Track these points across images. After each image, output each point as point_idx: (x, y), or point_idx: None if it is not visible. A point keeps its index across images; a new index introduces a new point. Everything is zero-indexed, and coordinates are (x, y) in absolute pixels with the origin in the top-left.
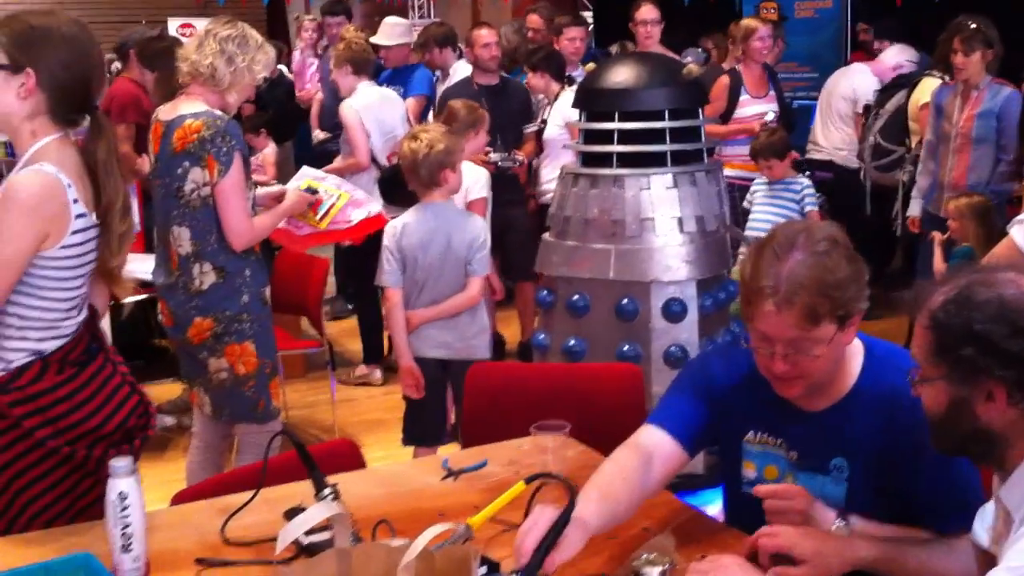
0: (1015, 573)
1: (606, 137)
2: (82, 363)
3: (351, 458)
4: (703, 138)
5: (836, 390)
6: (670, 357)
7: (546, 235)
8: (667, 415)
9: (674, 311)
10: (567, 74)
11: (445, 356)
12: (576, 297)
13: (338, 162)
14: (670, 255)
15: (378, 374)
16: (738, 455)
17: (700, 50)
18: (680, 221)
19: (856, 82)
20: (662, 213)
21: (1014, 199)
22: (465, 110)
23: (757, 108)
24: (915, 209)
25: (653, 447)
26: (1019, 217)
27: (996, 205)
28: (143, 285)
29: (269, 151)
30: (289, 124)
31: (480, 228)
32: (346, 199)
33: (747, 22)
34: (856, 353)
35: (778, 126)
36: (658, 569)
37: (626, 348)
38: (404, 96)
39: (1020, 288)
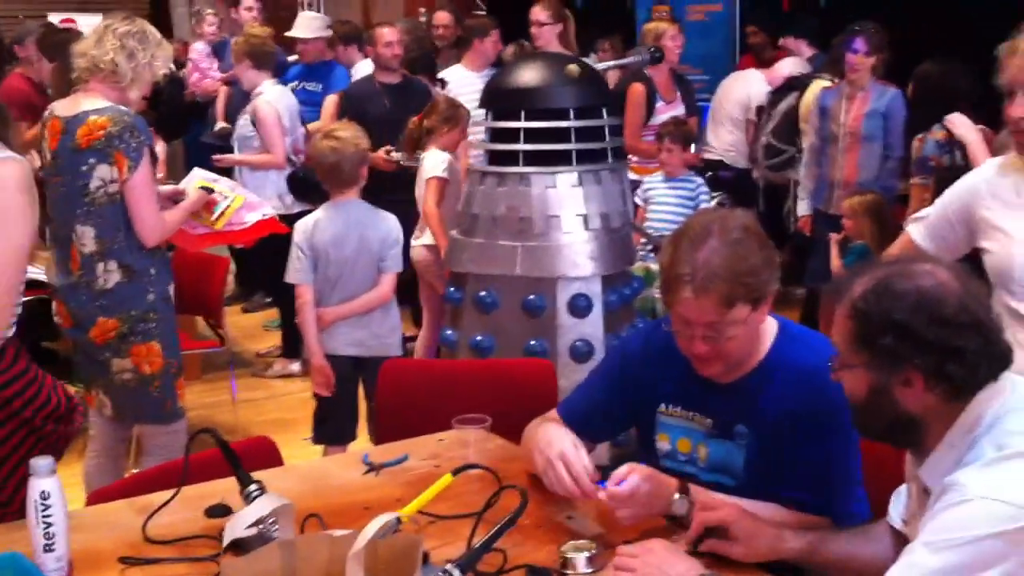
0: (931, 547)
1: (513, 136)
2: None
3: (269, 456)
4: (607, 137)
5: (748, 362)
6: (576, 352)
7: (454, 232)
8: (568, 404)
9: (579, 306)
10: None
11: (357, 353)
12: (484, 293)
13: (252, 156)
14: (576, 252)
15: (296, 367)
16: (653, 428)
17: (652, 48)
18: (585, 218)
19: (752, 89)
20: (568, 210)
21: (901, 196)
22: (446, 104)
23: (670, 115)
24: (804, 209)
25: (559, 422)
26: (916, 215)
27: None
28: (30, 286)
29: (159, 149)
30: (179, 121)
31: (393, 225)
32: (240, 201)
33: (656, 24)
34: (770, 330)
35: (685, 120)
36: (585, 555)
37: (533, 343)
38: (324, 92)
39: (937, 279)
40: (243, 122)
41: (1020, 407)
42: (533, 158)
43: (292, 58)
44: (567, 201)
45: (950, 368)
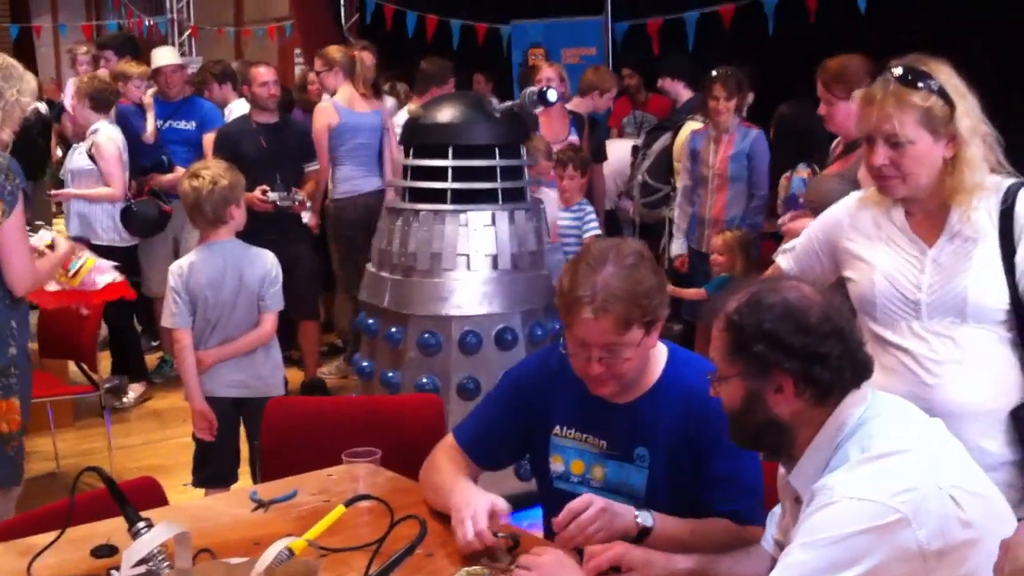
0: (805, 547)
1: (428, 174)
2: None
3: (154, 495)
4: (525, 176)
5: (640, 386)
6: (463, 390)
7: (369, 266)
8: (464, 429)
9: (472, 344)
10: None
11: (240, 395)
12: (394, 330)
13: (90, 190)
14: (475, 290)
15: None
16: (546, 450)
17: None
18: (494, 258)
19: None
20: (477, 249)
21: (766, 234)
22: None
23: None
24: (679, 248)
25: (457, 451)
26: (783, 247)
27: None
28: None
29: None
30: (41, 160)
31: (272, 263)
32: (92, 263)
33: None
34: (660, 354)
35: (580, 146)
36: None
37: (425, 380)
38: (199, 130)
39: (801, 292)
40: (78, 156)
41: (880, 414)
42: (448, 196)
43: (150, 92)
44: (477, 239)
45: (816, 372)
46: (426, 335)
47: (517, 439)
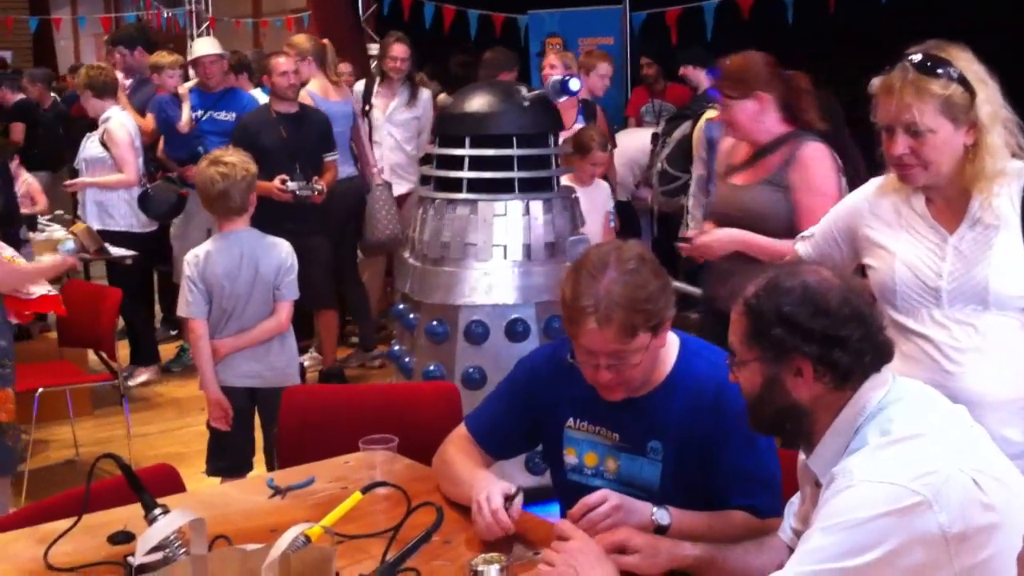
0: (825, 531)
1: (448, 163)
2: None
3: (171, 483)
4: (554, 164)
5: (652, 379)
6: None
7: (404, 252)
8: (476, 418)
9: (478, 334)
10: None
11: (254, 385)
12: (412, 317)
13: (105, 177)
14: (483, 280)
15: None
16: (560, 442)
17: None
18: (504, 248)
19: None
20: (485, 239)
21: None
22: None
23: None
24: None
25: (470, 442)
26: (803, 233)
27: None
28: None
29: (32, 179)
30: (60, 151)
31: (287, 252)
32: None
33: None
34: (672, 346)
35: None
36: (495, 567)
37: (432, 368)
38: (237, 120)
39: (820, 276)
40: (91, 144)
41: (902, 398)
42: (477, 184)
43: (189, 84)
44: (514, 228)
45: (836, 356)
46: (434, 323)
47: (529, 429)
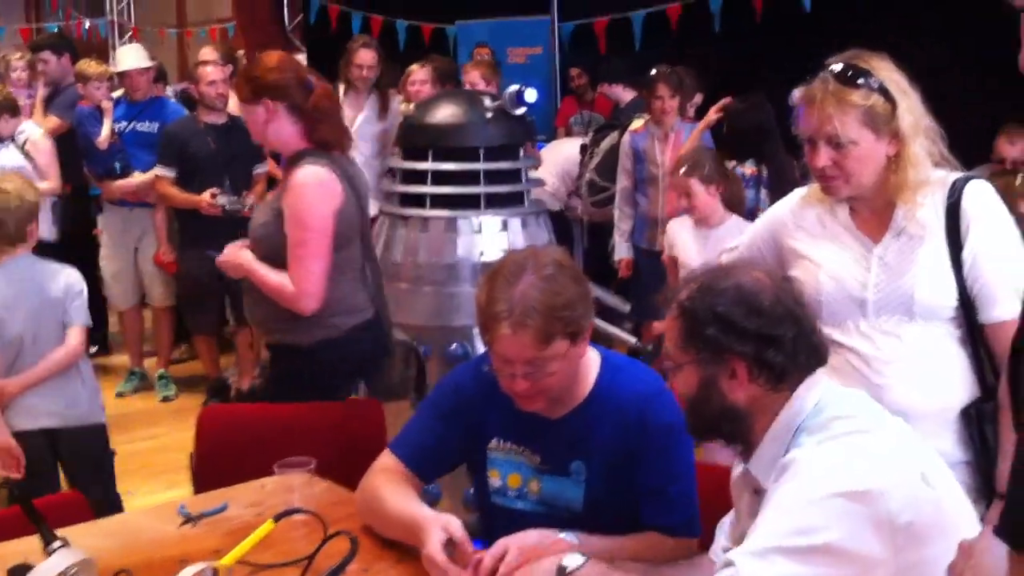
0: (779, 515)
1: (423, 177)
2: None
3: (77, 510)
4: (524, 179)
5: (574, 397)
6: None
7: None
8: (403, 443)
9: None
10: None
11: (52, 425)
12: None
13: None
14: (425, 301)
15: None
16: (484, 463)
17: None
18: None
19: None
20: (425, 259)
21: None
22: None
23: None
24: (623, 252)
25: (398, 471)
26: (727, 247)
27: None
28: None
29: None
30: None
31: (74, 276)
32: None
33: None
34: (593, 363)
35: None
36: None
37: None
38: (160, 131)
39: (753, 276)
40: (6, 154)
41: (839, 400)
42: (444, 201)
43: (116, 94)
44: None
45: (770, 355)
46: (452, 347)
47: (456, 450)
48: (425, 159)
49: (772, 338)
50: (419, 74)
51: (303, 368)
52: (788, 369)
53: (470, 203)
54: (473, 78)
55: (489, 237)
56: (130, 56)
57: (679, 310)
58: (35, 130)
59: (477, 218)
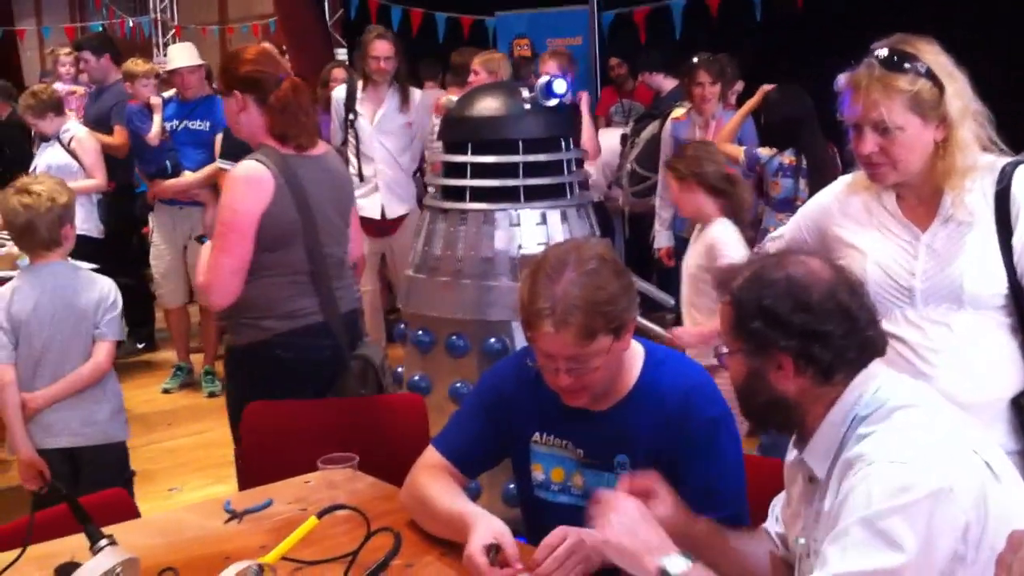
0: (862, 526)
1: (463, 171)
2: None
3: (123, 508)
4: (568, 170)
5: (618, 390)
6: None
7: (408, 271)
8: (447, 439)
9: (459, 348)
10: None
11: (73, 444)
12: (455, 337)
13: (81, 183)
14: (463, 295)
15: None
16: (527, 458)
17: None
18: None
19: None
20: (462, 252)
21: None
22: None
23: None
24: (663, 240)
25: (443, 468)
26: (772, 234)
27: None
28: None
29: None
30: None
31: (108, 287)
32: None
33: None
34: (637, 355)
35: None
36: None
37: (458, 385)
38: (212, 132)
39: (807, 268)
40: (52, 152)
41: (897, 391)
42: (485, 194)
43: (167, 94)
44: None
45: (816, 351)
46: (453, 338)
47: (498, 446)
48: (465, 152)
49: (818, 334)
50: (379, 48)
51: (240, 371)
52: (836, 365)
53: (510, 196)
54: (551, 68)
55: (527, 230)
56: (182, 54)
57: (730, 298)
58: (80, 128)
59: (515, 211)
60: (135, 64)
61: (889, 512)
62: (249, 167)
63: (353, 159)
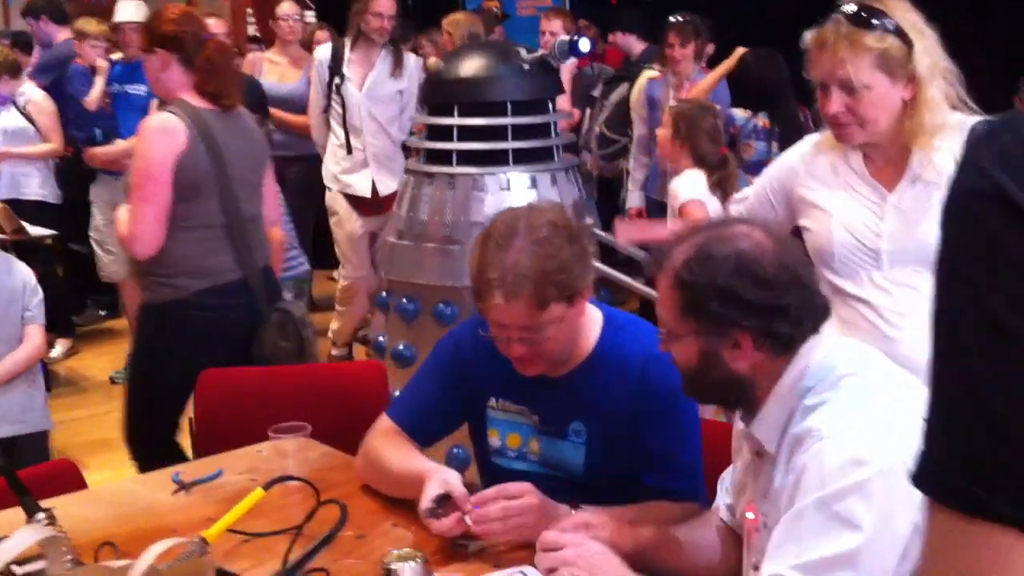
0: (816, 510)
1: (449, 134)
2: None
3: (70, 480)
4: (554, 133)
5: (576, 356)
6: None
7: (391, 238)
8: (400, 406)
9: (409, 311)
10: None
11: (13, 433)
12: (442, 305)
13: (35, 147)
14: (418, 258)
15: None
16: (483, 423)
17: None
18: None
19: None
20: (423, 215)
21: None
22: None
23: None
24: (635, 200)
25: (397, 433)
26: (736, 196)
27: None
28: None
29: None
30: None
31: (27, 271)
32: None
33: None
34: (595, 321)
35: None
36: (410, 564)
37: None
38: (150, 95)
39: (753, 240)
40: (7, 116)
41: (846, 357)
42: (472, 157)
43: (115, 56)
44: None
45: (776, 326)
46: (440, 305)
47: (456, 411)
48: (451, 115)
49: (778, 308)
50: (382, 4)
51: (154, 328)
52: (794, 336)
53: (498, 159)
54: (555, 27)
55: (518, 194)
56: (128, 9)
57: (675, 280)
58: (36, 91)
59: (505, 175)
60: (87, 23)
61: (844, 492)
62: (161, 117)
63: (338, 129)
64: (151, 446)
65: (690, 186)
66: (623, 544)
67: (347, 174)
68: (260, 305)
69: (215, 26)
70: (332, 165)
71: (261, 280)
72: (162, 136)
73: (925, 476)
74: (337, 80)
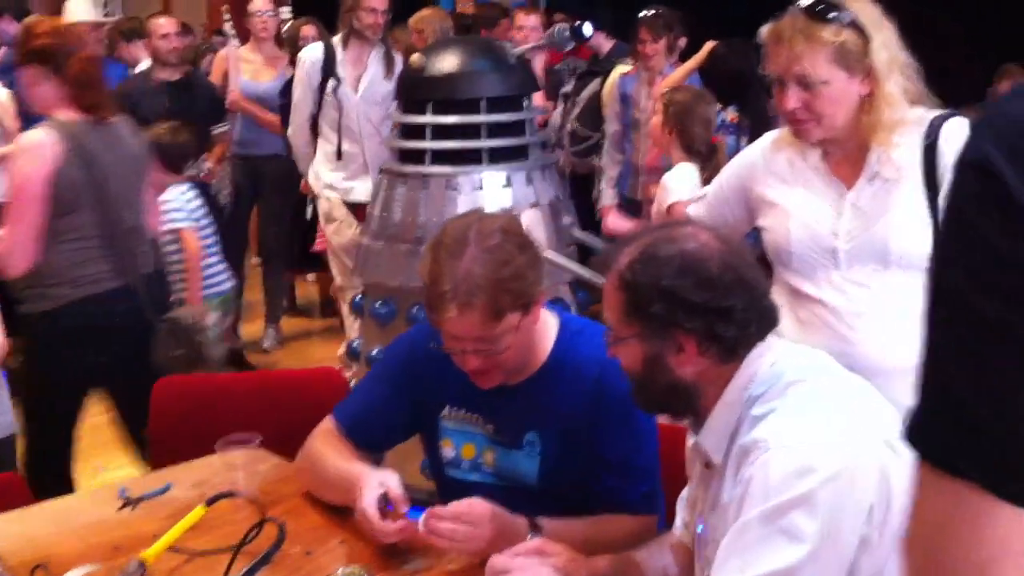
0: (761, 523)
1: (421, 132)
2: None
3: (15, 495)
4: (528, 132)
5: (531, 364)
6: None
7: (365, 240)
8: (345, 408)
9: (382, 315)
10: None
11: None
12: (418, 308)
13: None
14: (396, 260)
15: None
16: (436, 434)
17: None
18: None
19: None
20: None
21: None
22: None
23: None
24: (608, 198)
25: (335, 433)
26: (696, 195)
27: None
28: None
29: None
30: None
31: None
32: None
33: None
34: (550, 327)
35: None
36: None
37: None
38: None
39: (699, 241)
40: None
41: (794, 364)
42: (446, 157)
43: None
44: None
45: (720, 328)
46: (414, 309)
47: (406, 420)
48: (424, 112)
49: (723, 310)
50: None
51: (34, 339)
52: (739, 340)
53: (472, 159)
54: (532, 22)
55: (492, 194)
56: (77, 9)
57: (619, 281)
58: (1, 90)
59: (479, 174)
60: (38, 21)
61: (788, 505)
62: (32, 135)
63: (332, 135)
64: (41, 468)
65: (682, 183)
66: (579, 570)
67: (346, 180)
68: (147, 312)
69: (165, 25)
70: (327, 172)
71: (146, 287)
72: (32, 153)
73: (911, 429)
74: (332, 83)
